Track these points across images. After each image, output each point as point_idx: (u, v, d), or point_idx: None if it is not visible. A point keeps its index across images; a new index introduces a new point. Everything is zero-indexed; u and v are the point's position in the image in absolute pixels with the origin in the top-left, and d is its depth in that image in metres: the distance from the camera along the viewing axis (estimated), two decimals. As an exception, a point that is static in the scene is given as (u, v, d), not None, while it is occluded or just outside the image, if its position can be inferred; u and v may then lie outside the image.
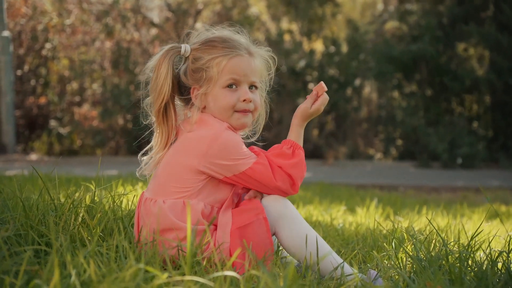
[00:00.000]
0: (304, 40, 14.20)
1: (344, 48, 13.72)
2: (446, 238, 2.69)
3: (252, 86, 2.22)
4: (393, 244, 2.47)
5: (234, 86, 2.18)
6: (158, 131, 2.22)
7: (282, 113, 13.21)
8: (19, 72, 12.22)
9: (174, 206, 2.11)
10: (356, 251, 2.47)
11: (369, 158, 13.63)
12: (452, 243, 2.52)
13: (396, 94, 14.01)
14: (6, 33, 10.88)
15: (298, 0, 14.21)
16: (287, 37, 13.92)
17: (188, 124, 2.19)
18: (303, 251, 2.12)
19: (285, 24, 14.71)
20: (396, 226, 2.82)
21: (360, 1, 18.70)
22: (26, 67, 12.43)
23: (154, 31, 13.85)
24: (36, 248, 1.92)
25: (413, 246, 2.38)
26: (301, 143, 2.24)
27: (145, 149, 2.30)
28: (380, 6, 17.37)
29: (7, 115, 10.89)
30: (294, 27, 14.53)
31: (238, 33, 2.29)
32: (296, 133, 2.25)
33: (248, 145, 2.32)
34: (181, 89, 2.25)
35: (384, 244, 2.54)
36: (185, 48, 2.20)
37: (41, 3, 12.85)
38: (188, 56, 2.21)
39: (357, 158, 13.25)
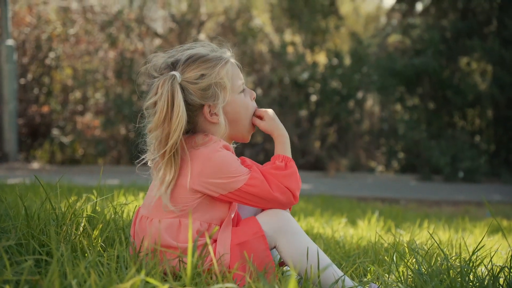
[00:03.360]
0: (307, 52, 14.24)
1: (347, 61, 13.75)
2: (447, 252, 2.68)
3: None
4: (394, 257, 2.47)
5: (244, 90, 2.25)
6: (168, 165, 2.10)
7: (285, 125, 13.15)
8: (22, 81, 12.26)
9: (170, 226, 2.10)
10: (357, 264, 2.46)
11: (370, 170, 13.63)
12: (453, 258, 2.52)
13: (398, 107, 14.02)
14: (10, 42, 10.92)
15: (302, 12, 14.25)
16: (290, 49, 13.95)
17: (190, 141, 2.17)
18: (303, 264, 2.12)
19: (288, 36, 14.75)
20: (397, 240, 2.81)
21: (363, 14, 18.76)
22: (29, 76, 12.46)
23: (157, 41, 13.90)
24: (37, 258, 1.92)
25: (414, 260, 2.38)
26: (290, 154, 2.24)
27: (163, 187, 2.19)
28: (383, 20, 17.42)
29: (9, 123, 10.91)
30: (297, 39, 14.56)
31: (201, 46, 2.27)
32: (281, 146, 2.25)
33: (239, 155, 2.32)
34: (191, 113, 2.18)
35: (385, 257, 2.53)
36: (177, 74, 2.14)
37: (45, 12, 12.90)
38: (180, 82, 2.14)
39: (358, 171, 13.24)
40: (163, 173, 2.11)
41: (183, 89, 2.13)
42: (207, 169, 2.07)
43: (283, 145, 2.24)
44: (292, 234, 2.15)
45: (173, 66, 2.19)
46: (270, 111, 2.27)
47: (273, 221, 2.15)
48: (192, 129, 2.19)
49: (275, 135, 2.25)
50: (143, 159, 2.20)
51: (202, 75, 2.15)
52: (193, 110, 2.16)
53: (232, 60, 2.24)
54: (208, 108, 2.15)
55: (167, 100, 2.08)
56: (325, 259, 2.15)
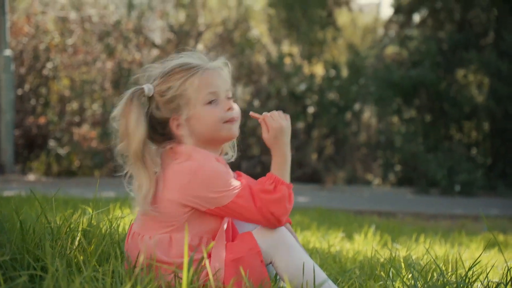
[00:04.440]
0: (305, 64, 14.27)
1: (345, 72, 13.77)
2: (443, 268, 2.68)
3: (229, 97, 2.21)
4: (391, 273, 2.46)
5: (214, 101, 2.16)
6: (138, 175, 2.15)
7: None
8: (19, 91, 12.24)
9: (161, 242, 2.09)
10: (353, 280, 2.46)
11: (367, 183, 13.62)
12: (449, 273, 2.52)
13: (395, 119, 14.04)
14: (8, 52, 10.91)
15: (299, 23, 14.29)
16: (287, 60, 13.98)
17: (173, 153, 2.17)
18: (299, 280, 2.11)
19: (286, 47, 14.78)
20: (393, 255, 2.81)
21: (361, 25, 18.80)
22: (26, 86, 12.46)
23: (155, 52, 13.91)
24: (31, 273, 1.91)
25: (410, 275, 2.38)
26: (284, 176, 2.15)
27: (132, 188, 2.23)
28: (380, 31, 17.46)
29: (6, 134, 10.88)
30: (295, 50, 14.60)
31: (187, 55, 2.26)
32: (277, 166, 2.17)
33: (234, 167, 2.32)
34: (155, 127, 2.20)
35: (382, 273, 2.53)
36: (148, 87, 2.17)
37: (43, 22, 12.91)
38: (153, 95, 2.17)
39: (355, 183, 13.24)
40: (137, 184, 2.14)
41: (152, 101, 2.17)
42: (195, 182, 2.06)
43: (279, 165, 2.17)
44: (288, 249, 2.14)
45: (155, 78, 2.22)
46: (275, 124, 2.17)
47: (269, 236, 2.14)
48: (170, 139, 2.20)
49: (273, 153, 2.19)
50: (125, 172, 2.22)
51: (169, 87, 2.16)
52: (162, 121, 2.19)
53: (210, 69, 2.18)
54: (173, 120, 2.16)
55: (123, 113, 2.14)
56: (321, 275, 2.14)
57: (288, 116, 2.21)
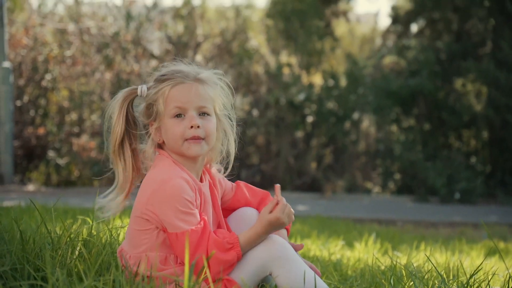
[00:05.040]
0: (303, 74, 14.29)
1: (343, 82, 13.79)
2: (444, 276, 2.67)
3: (203, 113, 2.17)
4: (392, 281, 2.46)
5: (181, 115, 2.14)
6: (116, 172, 2.21)
7: (281, 145, 13.23)
8: (18, 103, 12.25)
9: (137, 262, 2.08)
10: (354, 287, 2.45)
11: (367, 191, 13.61)
12: (451, 281, 2.51)
13: (394, 128, 14.05)
14: (6, 64, 10.94)
15: (298, 34, 14.33)
16: (286, 70, 14.00)
17: (146, 160, 2.19)
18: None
19: (284, 57, 14.80)
20: (394, 262, 2.80)
21: (358, 35, 18.85)
22: (25, 98, 12.46)
23: (154, 62, 13.93)
24: (32, 283, 1.90)
25: (412, 283, 2.37)
26: (246, 245, 2.10)
27: (107, 191, 2.25)
28: (378, 41, 17.51)
29: (5, 145, 10.88)
30: (293, 60, 14.62)
31: (192, 65, 2.28)
32: (250, 234, 2.12)
33: (233, 177, 2.31)
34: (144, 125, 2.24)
35: (383, 280, 2.52)
36: (141, 88, 2.20)
37: (42, 34, 12.93)
38: (146, 96, 2.20)
39: (355, 192, 13.23)
40: (116, 177, 2.21)
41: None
42: (156, 196, 2.05)
43: (252, 236, 2.11)
44: (289, 261, 2.13)
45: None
46: (283, 218, 2.13)
47: (268, 248, 2.13)
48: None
49: (257, 225, 2.12)
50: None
51: (148, 94, 2.19)
52: (145, 124, 2.23)
53: (184, 83, 2.16)
54: (152, 126, 2.20)
55: (112, 111, 2.22)
56: (322, 286, 2.14)
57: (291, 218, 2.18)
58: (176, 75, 2.18)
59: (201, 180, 2.25)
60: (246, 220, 2.37)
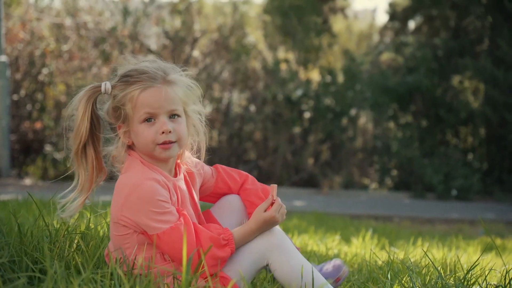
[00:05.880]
0: (301, 70, 14.28)
1: (340, 78, 13.79)
2: (441, 271, 2.68)
3: (173, 115, 2.15)
4: (389, 275, 2.46)
5: (151, 120, 2.10)
6: (77, 173, 2.16)
7: (278, 142, 13.22)
8: (15, 97, 12.23)
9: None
10: (351, 282, 2.45)
11: (364, 188, 13.63)
12: (448, 276, 2.51)
13: (391, 124, 14.06)
14: (3, 58, 10.90)
15: (295, 30, 14.32)
16: (283, 66, 13.99)
17: (117, 163, 2.17)
18: (298, 283, 2.11)
19: (281, 53, 14.80)
20: (392, 258, 2.81)
21: (356, 32, 18.85)
22: (22, 92, 12.44)
23: (151, 58, 13.90)
24: (30, 275, 1.90)
25: (408, 278, 2.37)
26: (239, 241, 2.10)
27: (66, 191, 2.24)
28: (376, 37, 17.51)
29: (2, 139, 10.86)
30: (291, 56, 14.61)
31: (157, 63, 2.22)
32: (244, 230, 2.12)
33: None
34: (111, 126, 2.19)
35: (380, 275, 2.53)
36: (105, 86, 2.15)
37: (39, 28, 12.90)
38: (110, 93, 2.16)
39: (352, 188, 13.24)
40: (77, 178, 2.17)
41: (109, 99, 2.17)
42: (129, 202, 2.02)
43: (246, 231, 2.12)
44: (286, 252, 2.13)
45: (114, 79, 2.20)
46: (277, 217, 2.14)
47: (266, 238, 2.14)
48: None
49: (252, 221, 2.13)
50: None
51: (115, 95, 2.14)
52: (111, 124, 2.19)
53: (154, 86, 2.12)
54: (120, 127, 2.16)
55: (75, 107, 2.16)
56: (319, 278, 2.14)
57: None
58: (143, 77, 2.12)
59: (175, 175, 2.23)
60: (231, 208, 2.37)
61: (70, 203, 2.18)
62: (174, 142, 2.14)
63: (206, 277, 2.03)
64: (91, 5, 13.78)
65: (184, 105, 2.21)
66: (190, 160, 2.34)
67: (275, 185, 2.18)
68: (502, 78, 12.45)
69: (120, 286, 1.86)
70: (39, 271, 1.95)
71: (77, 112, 2.15)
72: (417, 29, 14.76)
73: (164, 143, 2.11)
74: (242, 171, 2.51)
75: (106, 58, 12.98)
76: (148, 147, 2.12)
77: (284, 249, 2.13)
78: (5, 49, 11.48)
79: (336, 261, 2.41)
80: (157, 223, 2.00)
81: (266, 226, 2.12)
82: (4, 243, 2.11)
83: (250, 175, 2.50)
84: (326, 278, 2.26)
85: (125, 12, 13.49)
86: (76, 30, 13.13)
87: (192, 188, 2.31)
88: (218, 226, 2.14)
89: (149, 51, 13.79)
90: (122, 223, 2.05)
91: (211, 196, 2.46)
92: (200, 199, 2.44)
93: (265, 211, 2.13)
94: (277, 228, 2.19)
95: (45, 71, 12.58)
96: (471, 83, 13.87)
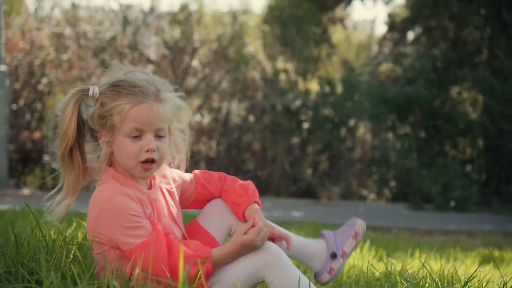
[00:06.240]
0: (299, 80, 14.30)
1: (339, 89, 13.81)
2: (439, 282, 2.68)
3: (159, 134, 2.14)
4: (386, 287, 2.46)
5: (138, 136, 2.10)
6: (63, 175, 2.18)
7: (277, 152, 13.22)
8: (14, 106, 12.23)
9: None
10: (349, 294, 2.45)
11: (362, 198, 13.62)
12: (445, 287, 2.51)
13: (390, 135, 14.06)
14: (2, 68, 10.92)
15: (294, 40, 14.35)
16: (282, 77, 14.02)
17: (96, 174, 2.15)
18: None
19: (280, 63, 14.83)
20: (389, 269, 2.80)
21: (355, 42, 18.91)
22: (21, 102, 12.44)
23: (150, 67, 13.94)
24: (26, 286, 1.90)
25: (406, 290, 2.37)
26: (217, 262, 2.06)
27: (51, 193, 2.23)
28: (375, 48, 17.56)
29: (0, 149, 10.85)
30: (290, 66, 14.64)
31: (149, 76, 2.20)
32: (223, 251, 2.07)
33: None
34: (92, 132, 2.19)
35: (377, 287, 2.52)
36: (93, 90, 2.14)
37: (38, 38, 12.93)
38: (97, 99, 2.14)
39: (350, 199, 13.23)
40: (62, 181, 2.19)
41: (96, 104, 2.15)
42: (102, 217, 2.01)
43: (227, 252, 2.06)
44: (282, 268, 2.11)
45: (107, 83, 2.18)
46: (258, 241, 2.07)
47: (261, 256, 2.11)
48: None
49: (231, 244, 2.08)
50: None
51: (104, 103, 2.12)
52: (94, 131, 2.17)
53: (145, 103, 2.10)
54: (103, 136, 2.14)
55: (62, 110, 2.16)
56: None
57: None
58: (135, 91, 2.10)
59: (150, 187, 2.22)
60: (217, 213, 2.36)
61: (56, 206, 2.17)
62: (155, 162, 2.13)
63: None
64: (91, 14, 13.82)
65: (170, 123, 2.19)
66: (168, 170, 2.33)
67: (258, 208, 2.15)
68: (500, 88, 12.47)
69: (116, 297, 1.86)
70: (36, 282, 1.95)
71: (65, 114, 2.14)
72: (416, 40, 14.80)
73: (147, 160, 2.11)
74: (222, 173, 2.48)
75: (105, 67, 12.98)
76: (129, 162, 2.11)
77: (279, 266, 2.11)
78: (4, 58, 11.49)
79: (351, 219, 2.42)
80: (129, 238, 1.98)
81: (245, 249, 2.06)
82: (1, 253, 2.10)
83: (229, 176, 2.47)
84: (344, 240, 2.28)
85: (125, 22, 13.52)
86: (76, 40, 13.16)
87: (171, 198, 2.30)
88: (198, 243, 2.10)
89: (149, 61, 13.82)
90: (97, 239, 2.04)
91: (195, 203, 2.44)
92: (187, 207, 2.43)
93: (245, 233, 2.08)
94: (271, 242, 2.17)
95: (44, 80, 12.60)
96: (469, 94, 13.89)
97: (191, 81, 14.20)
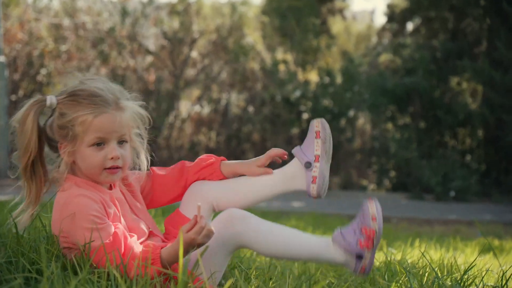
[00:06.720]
0: (299, 71, 14.30)
1: (339, 80, 13.81)
2: (439, 272, 2.68)
3: (121, 141, 2.14)
4: (386, 276, 2.47)
5: (101, 144, 2.09)
6: (25, 186, 2.13)
7: (276, 142, 13.23)
8: (13, 97, 12.23)
9: None
10: (348, 283, 2.45)
11: (362, 189, 13.64)
12: (445, 277, 2.52)
13: (389, 126, 14.07)
14: (1, 59, 10.90)
15: (294, 31, 14.33)
16: (281, 67, 14.01)
17: (57, 184, 2.14)
18: (279, 246, 2.14)
19: (280, 54, 14.82)
20: (389, 259, 2.81)
21: (354, 33, 18.89)
22: (20, 93, 12.45)
23: (149, 58, 13.92)
24: (26, 276, 1.90)
25: (406, 279, 2.38)
26: (169, 261, 2.01)
27: (12, 203, 2.21)
28: (374, 39, 17.54)
29: (0, 140, 10.85)
30: (289, 57, 14.63)
31: (106, 84, 2.17)
32: (171, 249, 2.02)
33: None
34: (50, 141, 2.16)
35: (377, 276, 2.53)
36: (51, 100, 2.11)
37: (37, 29, 12.91)
38: (55, 109, 2.12)
39: (350, 189, 13.26)
40: (24, 191, 2.13)
41: (54, 114, 2.12)
42: (64, 222, 1.99)
43: (173, 251, 2.00)
44: (255, 229, 2.14)
45: (64, 93, 2.15)
46: (200, 240, 1.99)
47: (233, 228, 2.14)
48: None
49: (176, 240, 2.01)
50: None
51: (64, 114, 2.09)
52: (54, 141, 2.14)
53: (106, 113, 2.08)
54: (63, 146, 2.11)
55: (20, 121, 2.11)
56: (291, 232, 2.20)
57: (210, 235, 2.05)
58: (95, 100, 2.08)
59: (110, 188, 2.22)
60: (195, 195, 2.35)
61: (22, 215, 2.15)
62: (120, 168, 2.14)
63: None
64: (89, 5, 13.80)
65: (130, 130, 2.19)
66: (129, 173, 2.33)
67: (199, 205, 2.13)
68: (499, 79, 12.45)
69: (116, 286, 1.86)
70: (36, 272, 1.95)
71: (25, 127, 2.10)
72: (415, 31, 14.78)
73: (112, 167, 2.11)
74: (176, 167, 2.48)
75: (104, 58, 12.99)
76: (94, 171, 2.10)
77: (250, 229, 2.13)
78: (3, 49, 11.47)
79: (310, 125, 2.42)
80: (89, 239, 1.98)
81: (188, 246, 2.00)
82: (1, 243, 2.11)
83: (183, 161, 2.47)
84: (309, 145, 2.28)
85: (124, 13, 13.50)
86: (75, 31, 13.14)
87: (132, 195, 2.30)
88: (152, 243, 2.07)
89: (148, 51, 13.80)
90: (65, 245, 2.04)
91: (165, 196, 2.43)
92: (167, 202, 2.44)
93: (188, 231, 2.02)
94: (238, 214, 2.17)
95: (43, 71, 12.60)
96: (469, 84, 13.88)
97: (190, 72, 14.19)
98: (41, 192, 2.14)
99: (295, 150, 2.38)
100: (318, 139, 2.33)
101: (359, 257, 2.17)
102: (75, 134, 2.07)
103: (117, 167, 2.12)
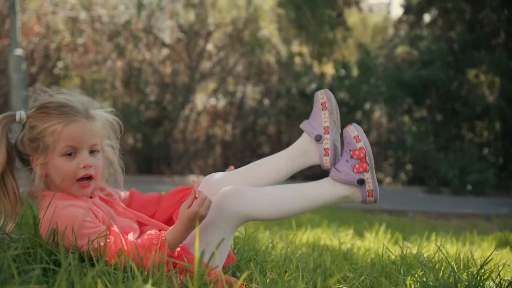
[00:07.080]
0: (315, 63, 14.26)
1: (355, 72, 13.76)
2: (455, 266, 2.67)
3: (93, 150, 2.13)
4: (402, 270, 2.46)
5: (72, 154, 2.09)
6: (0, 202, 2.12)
7: (292, 135, 13.23)
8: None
9: None
10: (364, 277, 2.45)
11: (378, 182, 13.58)
12: (461, 271, 2.51)
13: (406, 118, 14.00)
14: (19, 52, 10.97)
15: (309, 23, 14.29)
16: (297, 60, 13.98)
17: (41, 196, 2.13)
18: (279, 206, 2.14)
19: (295, 47, 14.78)
20: (405, 252, 2.80)
21: (371, 25, 18.79)
22: (38, 86, 12.54)
23: (165, 51, 13.94)
24: (44, 267, 1.92)
25: (422, 272, 2.37)
26: (174, 243, 2.02)
27: None
28: (391, 31, 17.44)
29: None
30: (305, 50, 14.60)
31: (75, 96, 2.17)
32: (174, 231, 2.03)
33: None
34: (22, 156, 2.16)
35: (393, 270, 2.52)
36: (20, 115, 2.11)
37: (54, 22, 12.98)
38: (25, 123, 2.12)
39: (365, 182, 13.22)
40: None
41: (24, 129, 2.12)
42: (66, 233, 1.98)
43: (177, 232, 2.02)
44: (254, 202, 2.13)
45: (33, 107, 2.14)
46: (202, 212, 2.01)
47: (229, 208, 2.13)
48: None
49: (179, 224, 2.02)
50: None
51: (34, 126, 2.10)
52: (25, 155, 2.14)
53: (76, 121, 2.08)
54: (35, 159, 2.11)
55: None
56: (289, 187, 2.21)
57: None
58: (65, 110, 2.09)
59: (90, 197, 2.22)
60: (212, 188, 2.35)
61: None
62: (92, 178, 2.13)
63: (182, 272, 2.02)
64: (105, -2, 13.84)
65: (102, 139, 2.19)
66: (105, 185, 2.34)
67: (196, 180, 2.13)
68: (517, 71, 12.36)
69: (133, 278, 1.88)
70: (54, 263, 1.97)
71: None
72: (432, 22, 14.68)
73: (84, 177, 2.10)
74: (154, 195, 2.50)
75: (120, 51, 13.03)
76: (66, 181, 2.09)
77: (250, 201, 2.12)
78: (20, 42, 11.54)
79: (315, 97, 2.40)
80: (95, 242, 1.98)
81: (191, 222, 2.01)
82: (20, 235, 2.13)
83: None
84: (317, 118, 2.28)
85: (140, 6, 13.53)
86: (91, 24, 13.19)
87: (113, 199, 2.31)
88: (150, 232, 2.07)
89: (164, 44, 13.82)
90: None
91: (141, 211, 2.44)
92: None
93: (189, 207, 2.04)
94: (230, 190, 2.17)
95: (60, 64, 12.66)
96: (486, 76, 13.77)
97: (206, 65, 14.20)
98: (16, 208, 2.14)
99: (303, 125, 2.36)
100: (325, 110, 2.32)
101: (361, 182, 2.18)
102: (46, 145, 2.07)
103: (90, 177, 2.11)
